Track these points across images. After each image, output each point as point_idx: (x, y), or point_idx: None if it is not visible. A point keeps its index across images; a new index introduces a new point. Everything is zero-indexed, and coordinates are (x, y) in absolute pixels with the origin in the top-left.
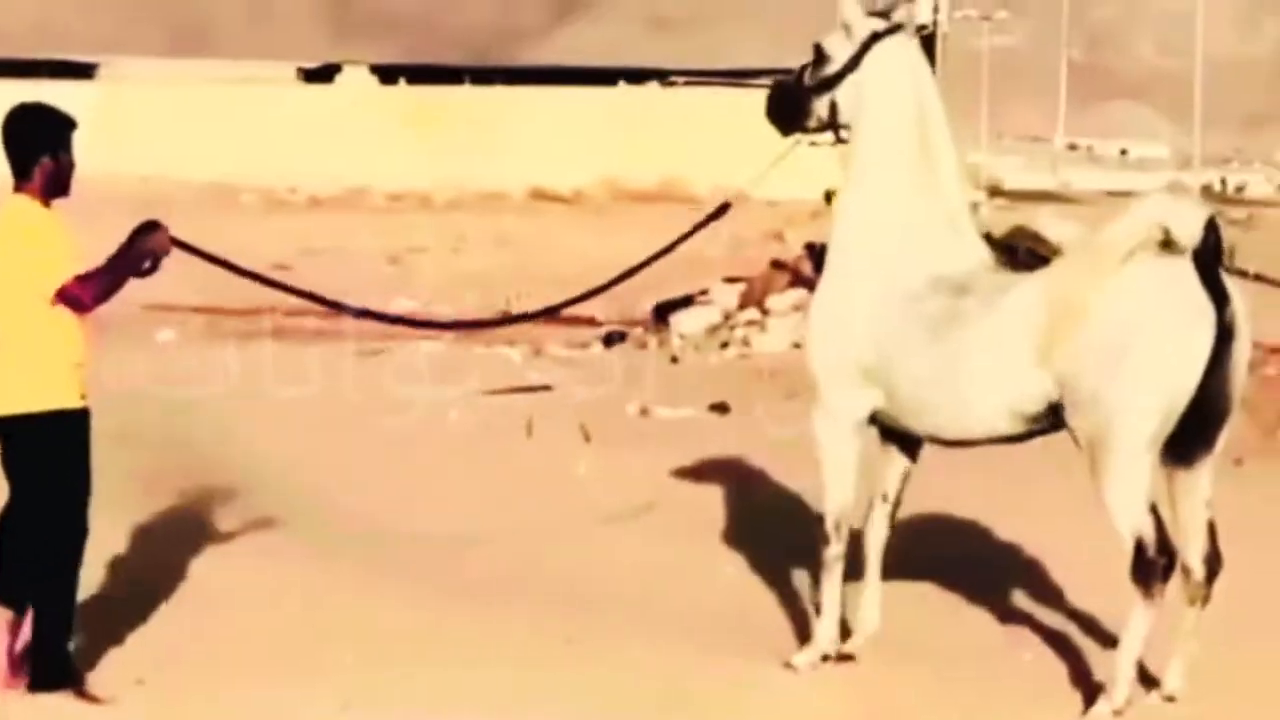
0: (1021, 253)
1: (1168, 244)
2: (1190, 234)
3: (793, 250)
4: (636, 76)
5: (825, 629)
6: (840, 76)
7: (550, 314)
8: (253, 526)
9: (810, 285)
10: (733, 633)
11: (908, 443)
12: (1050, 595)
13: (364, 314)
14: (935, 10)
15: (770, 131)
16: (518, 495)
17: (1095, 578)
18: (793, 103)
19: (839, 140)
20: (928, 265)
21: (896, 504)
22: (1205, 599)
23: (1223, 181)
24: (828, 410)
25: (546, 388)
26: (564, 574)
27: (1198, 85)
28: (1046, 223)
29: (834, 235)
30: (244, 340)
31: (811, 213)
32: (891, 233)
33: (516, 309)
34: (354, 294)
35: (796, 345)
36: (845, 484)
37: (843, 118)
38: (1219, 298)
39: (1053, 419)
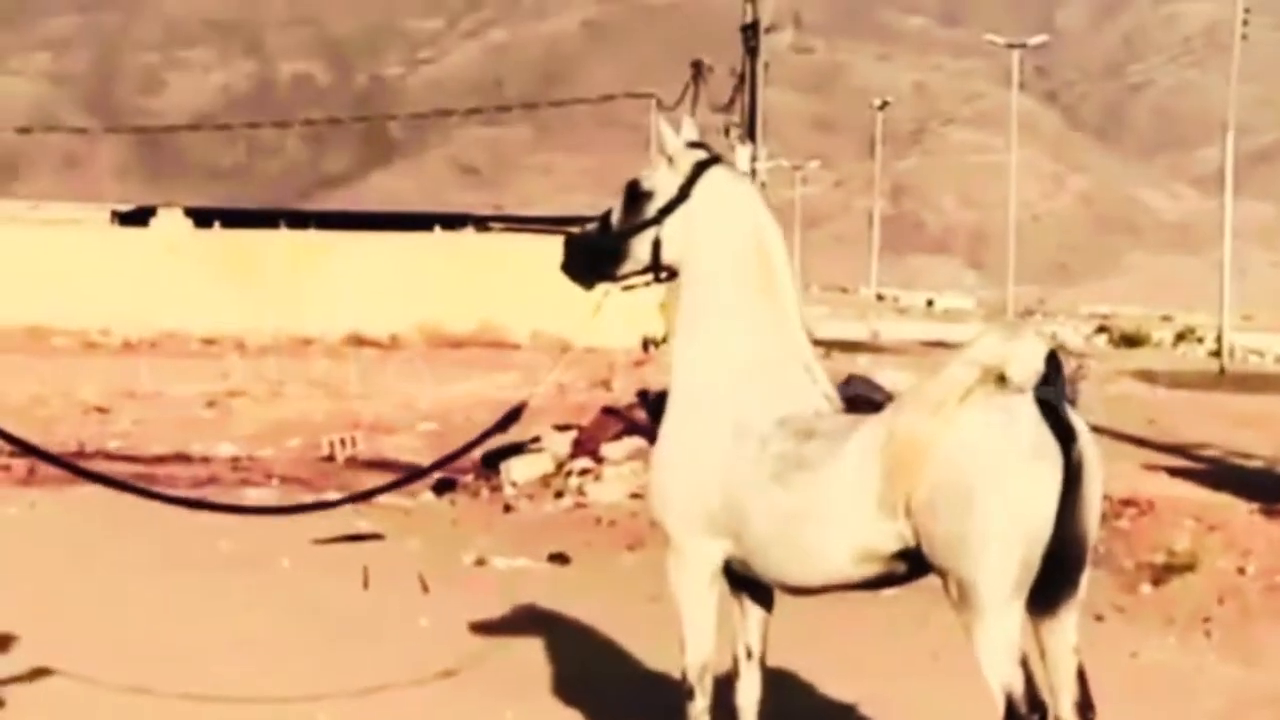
0: (857, 400)
1: (1007, 381)
2: (1030, 370)
3: (622, 398)
4: (452, 222)
5: None
6: (669, 209)
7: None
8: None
9: (644, 433)
10: None
11: (759, 591)
12: None
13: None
14: (753, 159)
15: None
16: (360, 648)
17: None
18: (598, 252)
19: (657, 280)
20: (774, 407)
21: (763, 658)
22: None
23: None
24: (681, 559)
25: (379, 536)
26: None
27: (1011, 236)
28: (878, 369)
29: (674, 378)
30: (58, 485)
31: (635, 360)
32: (735, 374)
33: (340, 454)
34: (175, 437)
35: (635, 495)
36: (705, 634)
37: (667, 256)
38: (1065, 435)
39: (907, 565)
